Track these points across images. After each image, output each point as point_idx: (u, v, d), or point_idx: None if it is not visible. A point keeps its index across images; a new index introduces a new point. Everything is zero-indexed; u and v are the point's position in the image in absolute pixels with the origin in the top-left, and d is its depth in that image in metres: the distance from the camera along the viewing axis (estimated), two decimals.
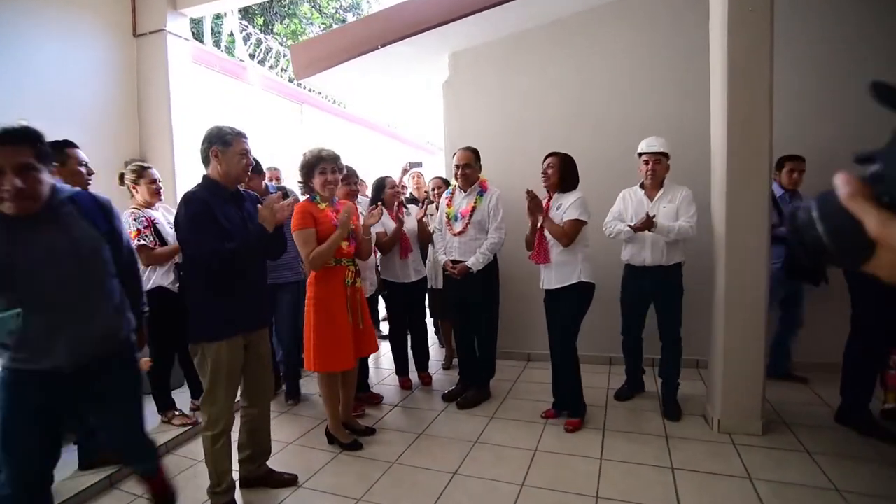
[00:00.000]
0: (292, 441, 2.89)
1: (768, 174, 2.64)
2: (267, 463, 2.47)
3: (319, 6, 12.25)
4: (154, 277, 2.88)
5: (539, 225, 2.97)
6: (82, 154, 2.51)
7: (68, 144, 2.44)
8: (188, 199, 2.04)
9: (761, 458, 2.45)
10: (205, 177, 2.16)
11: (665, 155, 2.95)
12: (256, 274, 2.25)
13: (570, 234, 2.80)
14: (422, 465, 2.57)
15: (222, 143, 2.08)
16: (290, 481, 2.44)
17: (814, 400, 3.13)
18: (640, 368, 3.35)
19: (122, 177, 2.94)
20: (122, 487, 2.46)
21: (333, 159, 2.65)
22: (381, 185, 3.52)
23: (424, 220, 3.69)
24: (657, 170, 2.94)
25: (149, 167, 2.97)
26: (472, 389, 3.36)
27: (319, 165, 2.61)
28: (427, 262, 3.89)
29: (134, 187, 2.90)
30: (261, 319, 2.31)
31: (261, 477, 2.42)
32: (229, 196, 2.14)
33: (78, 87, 3.58)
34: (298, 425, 3.12)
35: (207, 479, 2.20)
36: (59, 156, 2.30)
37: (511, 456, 2.61)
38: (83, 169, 2.47)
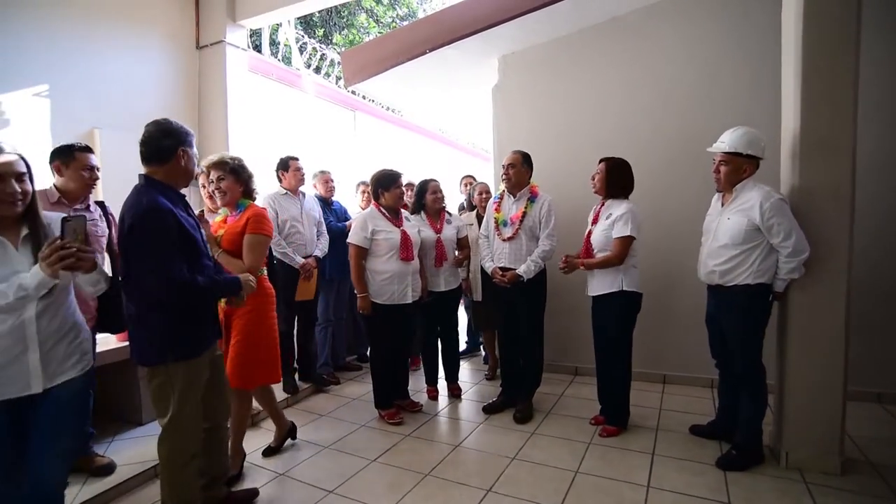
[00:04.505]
0: (328, 446, 2.89)
1: (851, 189, 2.31)
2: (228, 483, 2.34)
3: (376, 16, 12.55)
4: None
5: (587, 231, 2.91)
6: (92, 158, 2.41)
7: (78, 148, 2.38)
8: (148, 209, 1.73)
9: (838, 502, 2.15)
10: (151, 178, 1.84)
11: (738, 155, 2.40)
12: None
13: (620, 254, 2.69)
14: (456, 479, 2.48)
15: (189, 143, 1.91)
16: (252, 494, 2.34)
17: None
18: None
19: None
20: None
21: (213, 166, 2.44)
22: (422, 190, 3.48)
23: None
24: (723, 172, 2.46)
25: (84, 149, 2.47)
26: (519, 402, 3.24)
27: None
28: (470, 274, 3.81)
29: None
30: (218, 329, 2.12)
31: (222, 501, 2.22)
32: (178, 198, 1.91)
33: (145, 97, 3.84)
34: (335, 430, 3.12)
35: None
36: (65, 157, 2.33)
37: (550, 476, 2.47)
38: (86, 173, 2.37)
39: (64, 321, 1.62)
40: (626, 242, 2.69)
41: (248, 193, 2.54)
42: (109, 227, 2.55)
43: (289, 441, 2.89)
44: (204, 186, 2.57)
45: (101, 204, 2.56)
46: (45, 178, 2.26)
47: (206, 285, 1.84)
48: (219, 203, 2.53)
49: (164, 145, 1.82)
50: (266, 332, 2.52)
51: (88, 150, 2.42)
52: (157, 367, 1.82)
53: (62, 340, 1.61)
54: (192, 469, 1.93)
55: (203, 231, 1.99)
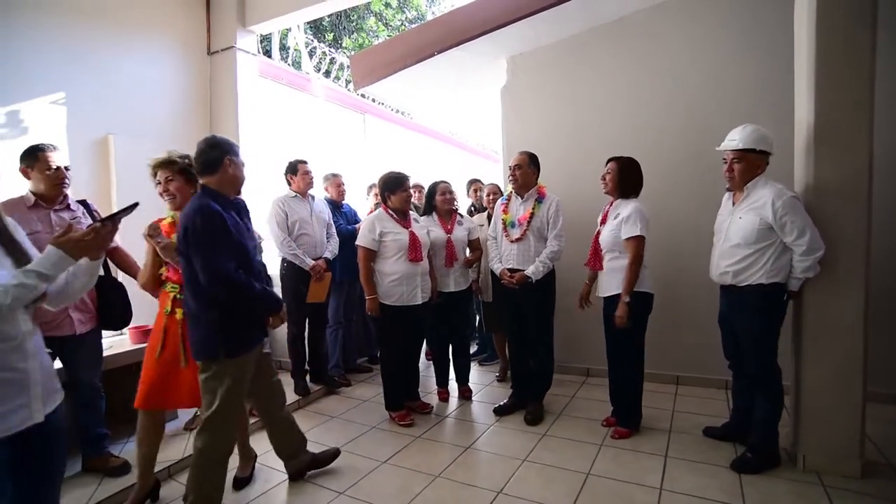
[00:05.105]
0: (339, 447, 2.89)
1: (867, 185, 2.26)
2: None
3: (385, 19, 12.62)
4: None
5: (596, 231, 2.90)
6: (55, 158, 2.35)
7: (42, 149, 2.32)
8: (199, 209, 1.92)
9: None
10: (206, 187, 2.04)
11: (751, 151, 2.35)
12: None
13: (637, 255, 2.67)
14: (466, 480, 2.47)
15: (235, 153, 2.08)
16: (334, 454, 2.61)
17: None
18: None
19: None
20: (180, 480, 2.57)
21: (159, 165, 2.24)
22: (432, 191, 3.48)
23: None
24: (737, 170, 2.39)
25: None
26: (530, 404, 3.22)
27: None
28: (481, 275, 3.80)
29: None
30: (265, 331, 2.28)
31: (307, 465, 2.53)
32: (232, 205, 2.09)
33: (157, 102, 3.91)
34: (346, 431, 3.13)
35: None
36: (29, 159, 2.30)
37: (561, 478, 2.44)
38: (51, 173, 2.32)
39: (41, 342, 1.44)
40: (639, 242, 2.67)
41: None
42: None
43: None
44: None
45: (83, 202, 2.57)
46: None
47: (248, 283, 1.98)
48: (168, 206, 2.31)
49: (211, 157, 2.02)
50: (149, 346, 2.29)
51: (53, 149, 2.36)
52: (209, 361, 2.00)
53: (45, 358, 1.44)
54: (222, 469, 2.09)
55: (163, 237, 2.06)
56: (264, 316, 2.19)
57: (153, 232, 2.23)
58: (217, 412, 1.99)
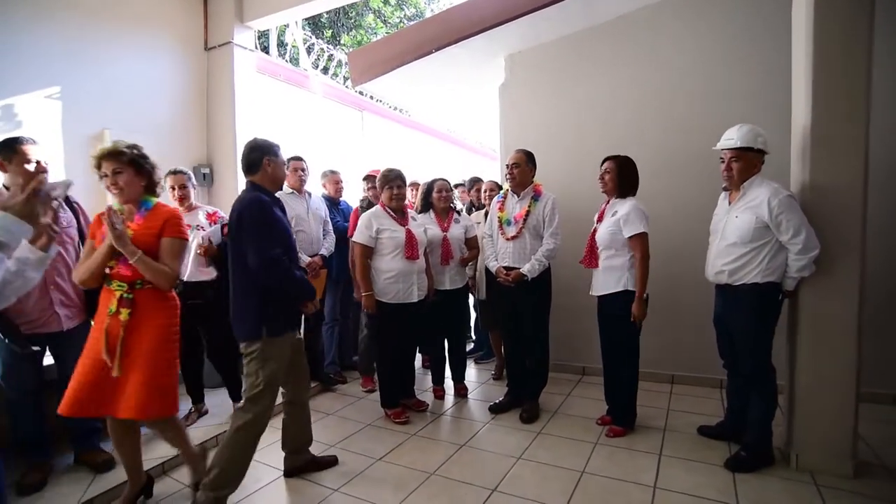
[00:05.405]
0: (334, 444, 2.89)
1: (863, 185, 2.26)
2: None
3: (384, 16, 12.58)
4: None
5: (592, 229, 2.90)
6: (34, 151, 2.26)
7: (21, 142, 2.23)
8: (253, 200, 2.15)
9: None
10: (254, 183, 2.27)
11: (748, 150, 2.37)
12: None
13: (645, 252, 2.68)
14: (461, 478, 2.46)
15: (273, 153, 2.28)
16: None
17: None
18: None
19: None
20: (174, 476, 2.56)
21: (105, 156, 2.04)
22: (429, 189, 3.48)
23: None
24: (735, 168, 2.40)
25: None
26: (526, 402, 3.22)
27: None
28: (476, 273, 3.80)
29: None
30: (299, 318, 2.44)
31: (306, 464, 2.56)
32: (276, 202, 2.29)
33: (154, 98, 3.88)
34: (341, 428, 3.13)
35: None
36: (7, 152, 2.20)
37: (556, 476, 2.45)
38: (30, 167, 2.22)
39: None
40: (644, 239, 2.68)
41: (152, 188, 2.16)
42: (77, 217, 2.52)
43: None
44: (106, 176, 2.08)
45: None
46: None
47: (290, 270, 2.17)
48: (117, 201, 2.11)
49: (251, 158, 2.24)
50: (173, 354, 2.13)
51: (32, 142, 2.28)
52: (251, 341, 2.14)
53: None
54: (252, 450, 2.19)
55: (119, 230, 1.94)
56: (300, 301, 2.34)
57: (115, 218, 1.95)
58: (259, 392, 2.13)
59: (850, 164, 2.26)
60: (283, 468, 2.55)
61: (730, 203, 2.49)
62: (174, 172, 3.03)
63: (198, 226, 2.98)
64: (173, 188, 3.01)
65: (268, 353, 2.14)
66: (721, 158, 2.49)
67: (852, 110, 2.25)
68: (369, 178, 3.76)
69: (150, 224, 2.08)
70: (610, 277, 2.78)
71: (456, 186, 4.48)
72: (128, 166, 2.05)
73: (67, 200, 2.52)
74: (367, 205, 3.74)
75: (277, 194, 3.45)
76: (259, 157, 2.23)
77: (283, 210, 2.33)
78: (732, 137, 2.41)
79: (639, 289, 2.68)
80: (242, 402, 2.19)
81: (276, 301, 2.17)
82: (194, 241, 2.89)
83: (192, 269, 2.97)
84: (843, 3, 2.24)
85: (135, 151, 2.08)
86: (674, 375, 3.69)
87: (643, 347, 2.85)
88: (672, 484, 2.32)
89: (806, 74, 2.35)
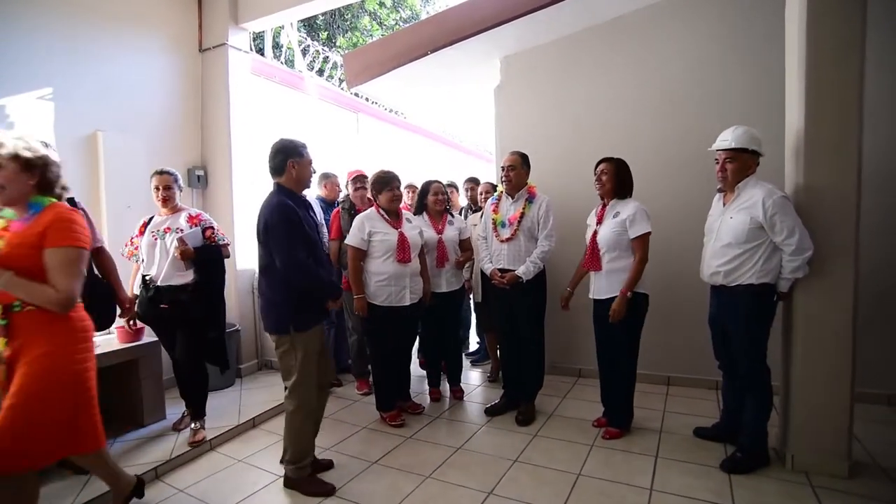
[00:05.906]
0: (329, 448, 2.88)
1: (856, 187, 2.27)
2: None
3: (380, 19, 12.58)
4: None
5: (592, 232, 2.88)
6: None
7: None
8: (278, 205, 2.24)
9: None
10: (280, 185, 2.34)
11: (743, 151, 2.37)
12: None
13: (645, 251, 2.69)
14: (457, 481, 2.45)
15: (298, 154, 2.33)
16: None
17: None
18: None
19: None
20: (167, 480, 2.54)
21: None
22: (424, 191, 3.47)
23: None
24: (730, 169, 2.40)
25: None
26: (522, 404, 3.21)
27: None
28: (472, 275, 3.79)
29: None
30: (326, 313, 2.53)
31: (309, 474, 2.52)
32: (302, 202, 2.38)
33: (148, 99, 3.85)
34: (337, 432, 3.11)
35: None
36: None
37: (552, 479, 2.44)
38: None
39: None
40: (647, 239, 2.68)
41: (47, 188, 1.82)
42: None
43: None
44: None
45: (70, 199, 2.40)
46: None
47: (315, 271, 2.30)
48: None
49: (276, 162, 2.32)
50: (57, 392, 1.72)
51: None
52: (282, 335, 2.31)
53: None
54: (310, 423, 2.42)
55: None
56: (325, 300, 2.44)
57: None
58: (297, 381, 2.33)
59: (843, 166, 2.27)
60: (281, 475, 2.52)
61: (724, 204, 2.50)
62: (160, 173, 2.93)
63: (178, 228, 2.88)
64: (157, 189, 2.91)
65: (296, 346, 2.30)
66: (716, 159, 2.49)
67: (845, 112, 2.25)
68: (359, 179, 3.72)
69: (30, 231, 1.71)
70: (614, 280, 2.74)
71: (449, 186, 4.46)
72: (11, 162, 1.72)
73: (73, 204, 2.48)
74: (348, 206, 3.71)
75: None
76: (283, 160, 2.31)
77: (310, 209, 2.40)
78: (727, 139, 2.42)
79: (625, 287, 2.68)
80: (286, 392, 2.37)
81: (301, 300, 2.31)
82: (172, 244, 2.85)
83: (167, 271, 2.86)
84: (836, 5, 2.25)
85: (20, 144, 1.74)
86: (670, 377, 3.70)
87: (639, 349, 2.85)
88: (668, 486, 2.32)
89: (799, 76, 2.36)
